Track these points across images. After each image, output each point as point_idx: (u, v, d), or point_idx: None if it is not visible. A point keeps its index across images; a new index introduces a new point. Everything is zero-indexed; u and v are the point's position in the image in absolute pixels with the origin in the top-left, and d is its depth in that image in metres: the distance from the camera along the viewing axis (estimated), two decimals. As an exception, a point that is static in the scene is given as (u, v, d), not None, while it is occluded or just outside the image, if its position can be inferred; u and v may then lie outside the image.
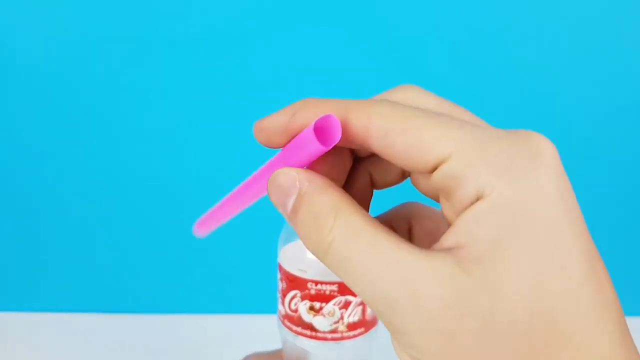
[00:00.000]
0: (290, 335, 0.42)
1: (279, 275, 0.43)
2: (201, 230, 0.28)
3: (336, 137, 0.19)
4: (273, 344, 0.45)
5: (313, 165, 0.21)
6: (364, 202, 0.24)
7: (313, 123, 0.19)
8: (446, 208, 0.20)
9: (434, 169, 0.18)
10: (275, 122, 0.21)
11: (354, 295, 0.40)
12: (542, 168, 0.18)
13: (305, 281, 0.40)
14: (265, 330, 0.46)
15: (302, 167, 0.21)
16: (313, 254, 0.20)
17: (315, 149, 0.19)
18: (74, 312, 0.65)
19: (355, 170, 0.23)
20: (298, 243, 0.42)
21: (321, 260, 0.20)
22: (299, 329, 0.41)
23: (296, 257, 0.41)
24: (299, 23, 0.59)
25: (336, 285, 0.40)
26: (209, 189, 0.63)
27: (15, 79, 0.60)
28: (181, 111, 0.61)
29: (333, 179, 0.22)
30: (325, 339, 0.40)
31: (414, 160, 0.18)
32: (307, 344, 0.41)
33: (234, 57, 0.60)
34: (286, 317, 0.42)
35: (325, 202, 0.19)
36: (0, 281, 0.65)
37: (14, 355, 0.59)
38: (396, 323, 0.18)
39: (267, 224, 0.48)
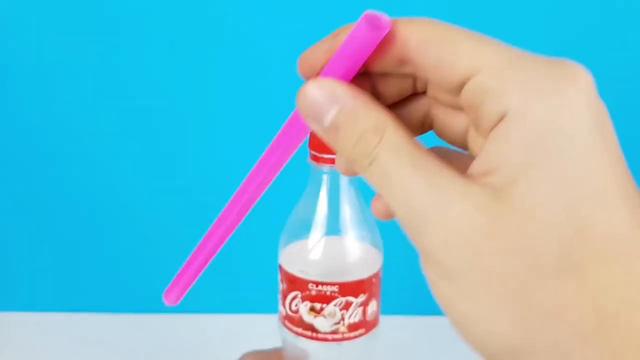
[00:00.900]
0: (290, 336, 0.42)
1: (279, 276, 0.43)
2: (174, 292, 0.27)
3: (386, 26, 0.19)
4: (272, 344, 0.45)
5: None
6: None
7: (363, 15, 0.19)
8: (473, 139, 0.20)
9: (463, 83, 0.18)
10: (318, 46, 0.21)
11: (354, 296, 0.40)
12: (576, 92, 0.17)
13: (306, 282, 0.40)
14: (265, 330, 0.46)
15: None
16: (349, 166, 0.20)
17: (365, 39, 0.19)
18: (74, 311, 0.65)
19: None
20: (299, 244, 0.42)
21: (358, 173, 0.20)
22: (299, 330, 0.41)
23: (297, 258, 0.41)
24: (297, 21, 0.59)
25: (337, 286, 0.40)
26: (207, 188, 0.63)
27: (14, 79, 0.60)
28: (180, 112, 0.61)
29: None
30: (326, 340, 0.40)
31: (445, 71, 0.19)
32: (307, 345, 0.41)
33: (232, 56, 0.60)
34: (287, 318, 0.42)
35: (372, 120, 0.19)
36: (0, 281, 0.65)
37: (14, 355, 0.59)
38: (426, 241, 0.18)
39: (268, 224, 0.48)
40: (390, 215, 0.24)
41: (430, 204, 0.18)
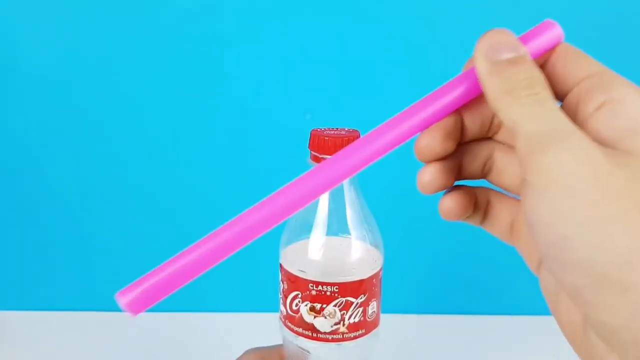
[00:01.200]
0: (291, 336, 0.42)
1: (280, 276, 0.43)
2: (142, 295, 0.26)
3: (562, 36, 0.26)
4: (274, 342, 0.45)
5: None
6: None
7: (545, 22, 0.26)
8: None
9: (581, 80, 0.25)
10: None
11: (354, 296, 0.40)
12: None
13: (306, 282, 0.40)
14: (266, 328, 0.47)
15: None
16: (501, 95, 0.24)
17: (553, 37, 0.26)
18: (73, 310, 0.65)
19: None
20: (299, 244, 0.42)
21: (501, 103, 0.24)
22: (300, 330, 0.41)
23: (297, 258, 0.41)
24: (296, 22, 0.59)
25: (337, 286, 0.40)
26: (204, 188, 0.63)
27: (14, 81, 0.60)
28: (178, 113, 0.61)
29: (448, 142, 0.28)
30: (326, 340, 0.40)
31: (574, 71, 0.25)
32: (308, 344, 0.41)
33: (230, 59, 0.60)
34: (287, 317, 0.42)
35: (542, 76, 0.25)
36: (0, 280, 0.66)
37: (14, 355, 0.59)
38: (557, 156, 0.22)
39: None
40: (457, 215, 0.29)
41: (571, 126, 0.23)
